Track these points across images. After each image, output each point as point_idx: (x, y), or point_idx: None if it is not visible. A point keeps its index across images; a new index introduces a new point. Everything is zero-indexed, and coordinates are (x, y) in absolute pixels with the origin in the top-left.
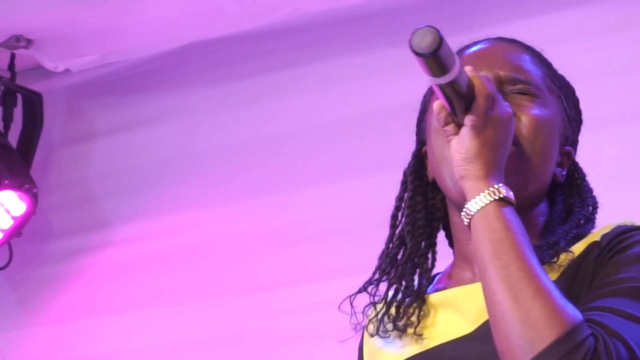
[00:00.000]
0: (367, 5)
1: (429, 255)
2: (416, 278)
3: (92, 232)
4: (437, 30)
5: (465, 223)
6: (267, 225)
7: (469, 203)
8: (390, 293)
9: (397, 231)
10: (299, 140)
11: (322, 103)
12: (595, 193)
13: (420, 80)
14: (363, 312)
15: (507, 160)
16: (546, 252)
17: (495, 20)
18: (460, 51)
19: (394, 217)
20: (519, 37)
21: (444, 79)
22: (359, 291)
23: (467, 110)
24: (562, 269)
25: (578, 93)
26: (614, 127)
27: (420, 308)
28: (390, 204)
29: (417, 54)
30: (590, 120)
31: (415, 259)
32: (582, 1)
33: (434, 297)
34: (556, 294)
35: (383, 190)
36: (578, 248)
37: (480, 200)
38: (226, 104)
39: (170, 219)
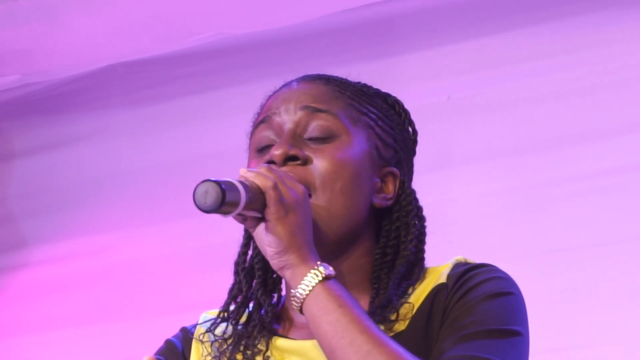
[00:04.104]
0: (290, 28)
1: (274, 294)
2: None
3: (11, 252)
4: (217, 184)
5: (297, 309)
6: (190, 247)
7: (296, 290)
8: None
9: (241, 277)
10: (224, 163)
11: (247, 125)
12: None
13: None
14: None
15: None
16: (384, 315)
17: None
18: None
19: (237, 264)
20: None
21: (236, 211)
22: (217, 322)
23: (263, 207)
24: (408, 319)
25: (516, 116)
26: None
27: (267, 340)
28: None
29: (205, 212)
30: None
31: (260, 298)
32: (526, 24)
33: (281, 343)
34: (407, 354)
35: None
36: (418, 296)
37: (306, 285)
38: (148, 126)
39: (90, 240)
